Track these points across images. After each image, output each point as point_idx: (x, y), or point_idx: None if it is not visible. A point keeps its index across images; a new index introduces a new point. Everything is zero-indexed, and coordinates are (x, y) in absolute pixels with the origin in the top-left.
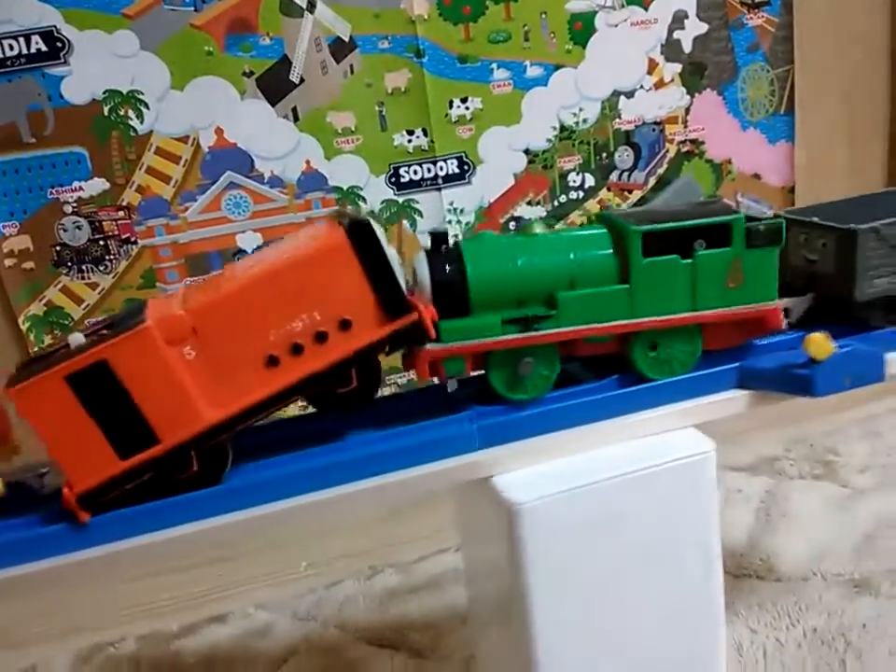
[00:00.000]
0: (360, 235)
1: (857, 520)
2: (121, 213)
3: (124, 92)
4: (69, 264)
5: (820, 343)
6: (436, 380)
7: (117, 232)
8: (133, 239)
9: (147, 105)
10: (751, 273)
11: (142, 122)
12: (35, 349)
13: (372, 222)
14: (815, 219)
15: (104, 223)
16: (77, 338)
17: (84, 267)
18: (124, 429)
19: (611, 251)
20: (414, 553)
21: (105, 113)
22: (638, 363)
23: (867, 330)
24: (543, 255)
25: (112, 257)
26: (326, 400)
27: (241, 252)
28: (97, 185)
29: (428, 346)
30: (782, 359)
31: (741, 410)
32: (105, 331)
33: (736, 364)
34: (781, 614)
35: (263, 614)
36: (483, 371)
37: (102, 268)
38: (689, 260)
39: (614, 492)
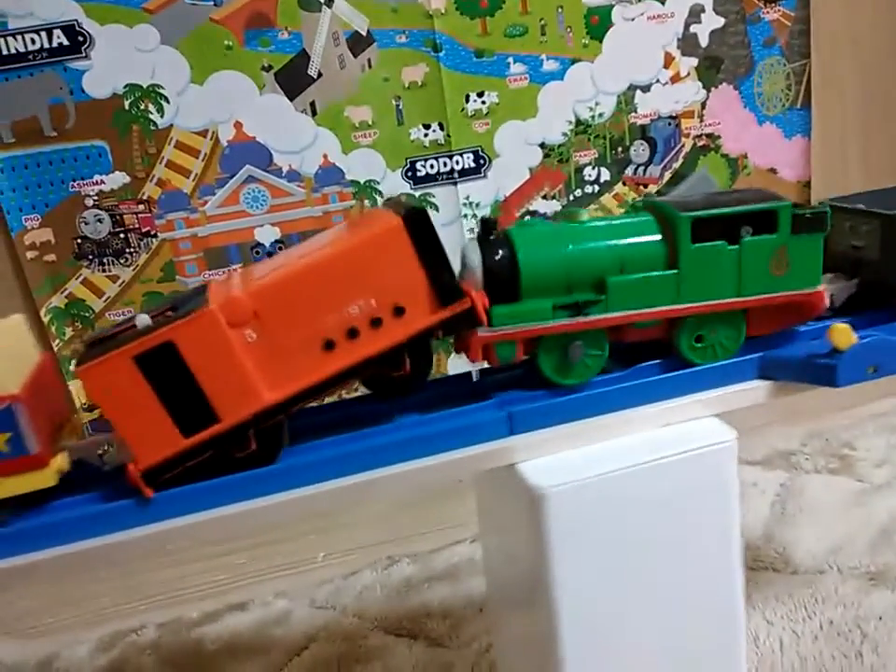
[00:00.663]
0: (416, 223)
1: (873, 514)
2: (142, 206)
3: (144, 86)
4: (90, 257)
5: (843, 333)
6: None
7: (137, 226)
8: (153, 232)
9: (167, 99)
10: (796, 260)
11: (162, 116)
12: (56, 342)
13: (428, 210)
14: (860, 206)
15: (124, 216)
16: (143, 319)
17: (105, 260)
18: (188, 408)
19: (659, 237)
20: (431, 543)
21: (126, 107)
22: (683, 348)
23: None
24: (592, 241)
25: (132, 250)
26: (379, 384)
27: (259, 246)
28: (118, 178)
29: (481, 332)
30: (805, 349)
31: (763, 399)
32: (169, 313)
33: (759, 354)
34: (797, 606)
35: (283, 602)
36: (522, 358)
37: (122, 261)
38: (735, 246)
39: (637, 480)
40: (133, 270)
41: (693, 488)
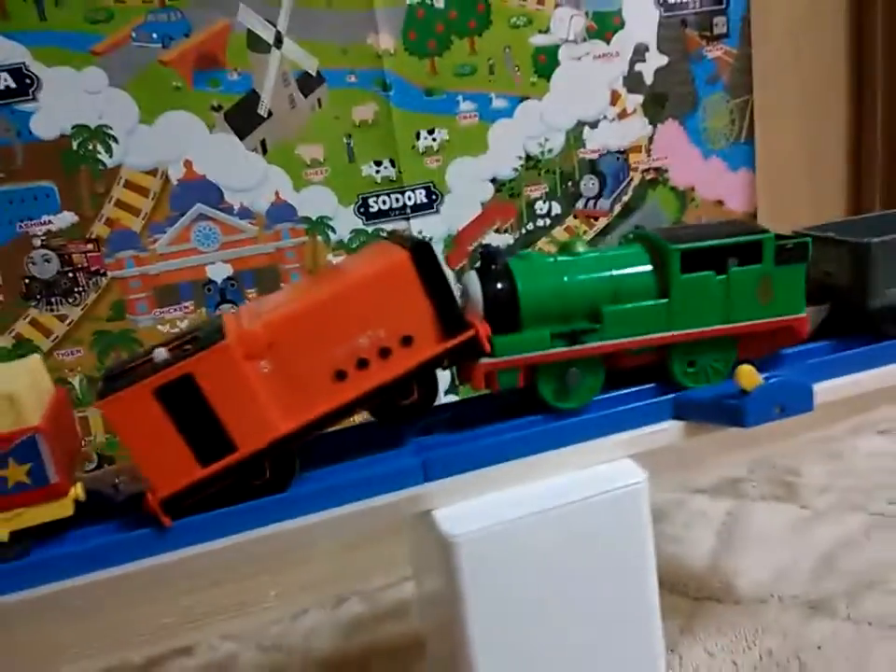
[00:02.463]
0: (422, 256)
1: (815, 541)
2: (90, 245)
3: (93, 127)
4: (38, 297)
5: (749, 375)
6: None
7: (86, 265)
8: (102, 271)
9: (115, 140)
10: (780, 288)
11: (111, 156)
12: None
13: (433, 244)
14: (831, 234)
15: (73, 256)
16: (160, 352)
17: (53, 299)
18: (205, 438)
19: (651, 268)
20: (382, 580)
21: (74, 147)
22: (676, 373)
23: (880, 340)
24: (587, 272)
25: (81, 289)
26: (388, 412)
27: (211, 283)
28: (66, 218)
29: (483, 360)
30: (715, 391)
31: (677, 440)
32: (187, 347)
33: (672, 395)
34: (739, 637)
35: (229, 645)
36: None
37: (71, 300)
38: (723, 276)
39: (549, 523)
40: (82, 309)
41: (604, 530)
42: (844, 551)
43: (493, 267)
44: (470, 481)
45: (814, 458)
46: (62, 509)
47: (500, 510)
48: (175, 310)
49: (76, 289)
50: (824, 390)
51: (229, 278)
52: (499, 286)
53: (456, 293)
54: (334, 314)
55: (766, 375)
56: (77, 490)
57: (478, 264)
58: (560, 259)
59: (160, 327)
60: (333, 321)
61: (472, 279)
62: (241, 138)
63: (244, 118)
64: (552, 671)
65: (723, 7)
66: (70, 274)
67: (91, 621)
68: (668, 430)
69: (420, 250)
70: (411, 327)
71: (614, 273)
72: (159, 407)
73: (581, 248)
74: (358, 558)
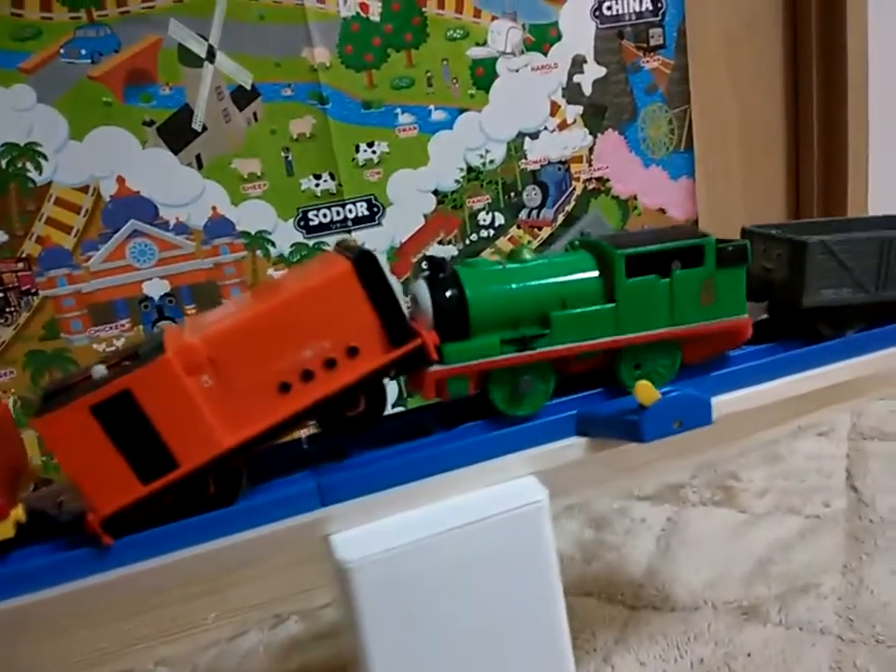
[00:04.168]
0: (366, 266)
1: (751, 545)
2: (21, 264)
3: (22, 145)
4: None
5: (646, 390)
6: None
7: (17, 284)
8: (33, 290)
9: (45, 157)
10: (722, 291)
11: (40, 174)
12: None
13: (376, 254)
14: (773, 232)
15: (3, 275)
16: (99, 369)
17: None
18: (145, 455)
19: (597, 273)
20: (322, 598)
21: (3, 166)
22: (624, 377)
23: (817, 339)
24: (535, 278)
25: (12, 309)
26: (335, 423)
27: (147, 300)
28: None
29: (434, 368)
30: (615, 406)
31: (581, 456)
32: (126, 363)
33: (574, 412)
34: (671, 645)
35: (162, 670)
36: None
37: (2, 320)
38: (667, 280)
39: (445, 546)
40: (14, 329)
41: (505, 550)
42: (778, 555)
43: (441, 275)
44: (368, 504)
45: (754, 462)
46: (1, 531)
47: (398, 533)
48: (112, 328)
49: (7, 309)
50: (724, 403)
51: (166, 294)
52: (448, 293)
53: (405, 303)
54: (276, 325)
55: (666, 389)
56: (19, 512)
57: (426, 273)
58: (508, 265)
59: (95, 346)
60: (276, 333)
61: (421, 287)
62: (175, 153)
63: (177, 132)
64: None
65: (659, 18)
66: (1, 294)
67: (25, 647)
68: (572, 447)
69: (363, 260)
70: (356, 337)
71: (561, 279)
72: (96, 424)
73: (527, 255)
74: (300, 577)
